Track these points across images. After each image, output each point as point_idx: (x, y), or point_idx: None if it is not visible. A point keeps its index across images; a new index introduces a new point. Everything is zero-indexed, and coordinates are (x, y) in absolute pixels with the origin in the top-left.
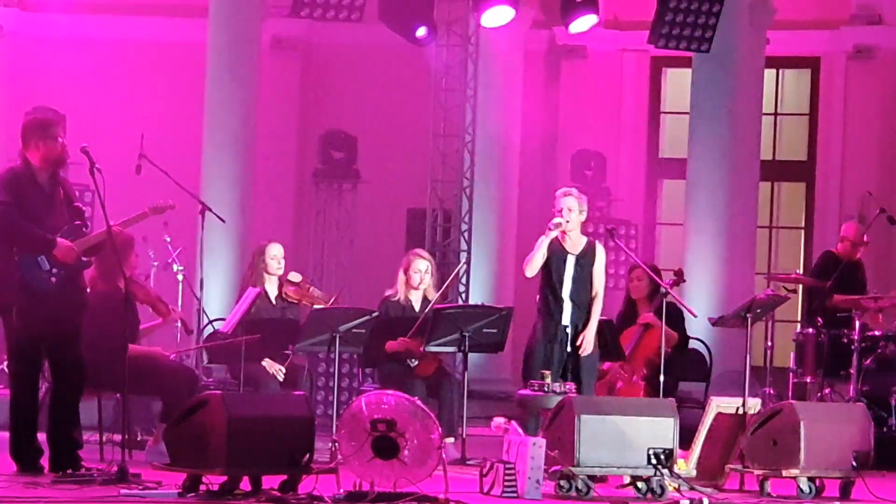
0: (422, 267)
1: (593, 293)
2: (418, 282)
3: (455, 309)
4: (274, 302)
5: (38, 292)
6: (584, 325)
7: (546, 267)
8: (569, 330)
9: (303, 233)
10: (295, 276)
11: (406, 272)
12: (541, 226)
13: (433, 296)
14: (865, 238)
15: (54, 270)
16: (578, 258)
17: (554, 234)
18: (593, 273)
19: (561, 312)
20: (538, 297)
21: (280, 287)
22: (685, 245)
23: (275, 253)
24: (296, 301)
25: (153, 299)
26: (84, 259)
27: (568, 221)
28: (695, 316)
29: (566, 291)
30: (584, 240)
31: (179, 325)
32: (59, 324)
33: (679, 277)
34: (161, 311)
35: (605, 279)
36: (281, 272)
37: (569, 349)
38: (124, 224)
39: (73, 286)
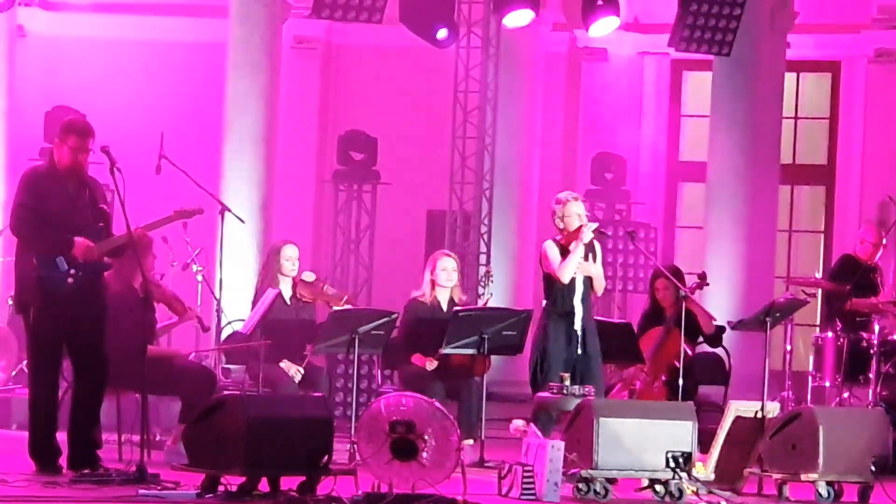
0: (448, 265)
1: (598, 288)
2: (445, 280)
3: (474, 311)
4: (289, 302)
5: (55, 293)
6: (591, 328)
7: None
8: (579, 332)
9: (322, 234)
10: (309, 276)
11: (433, 272)
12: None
13: (459, 297)
14: (884, 241)
15: (72, 272)
16: (583, 258)
17: (589, 237)
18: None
19: (573, 316)
20: (548, 300)
21: (294, 287)
22: (705, 248)
23: (289, 254)
24: (310, 301)
25: (169, 298)
26: (106, 261)
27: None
28: (713, 321)
29: (578, 296)
30: None
31: (196, 322)
32: (78, 324)
33: (702, 280)
34: (177, 310)
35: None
36: (295, 273)
37: (579, 352)
38: (150, 227)
39: (93, 287)
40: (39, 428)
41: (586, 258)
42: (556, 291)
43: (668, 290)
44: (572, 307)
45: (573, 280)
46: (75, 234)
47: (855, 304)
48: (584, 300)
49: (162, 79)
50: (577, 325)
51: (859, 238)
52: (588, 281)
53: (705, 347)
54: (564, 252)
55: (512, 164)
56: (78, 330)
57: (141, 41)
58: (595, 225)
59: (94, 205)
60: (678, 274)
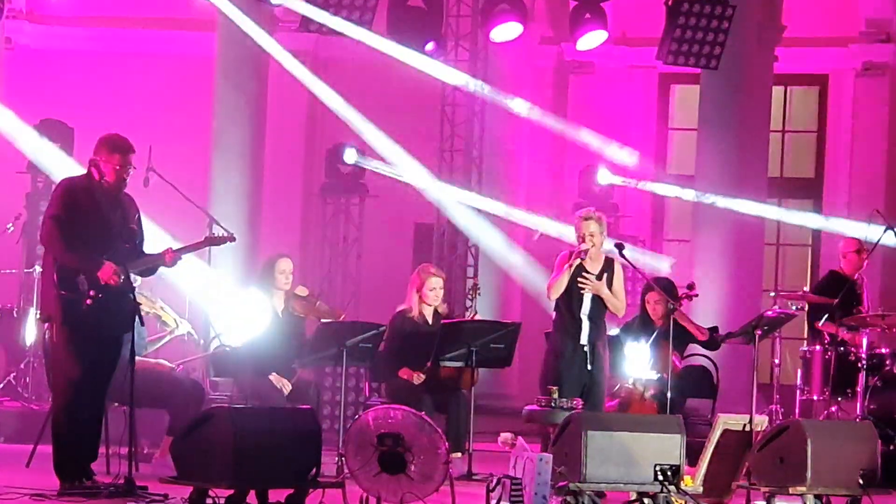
0: (435, 284)
1: (614, 309)
2: (433, 299)
3: (463, 324)
4: (280, 316)
5: (73, 311)
6: (600, 343)
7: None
8: (587, 349)
9: (310, 247)
10: (302, 291)
11: (419, 290)
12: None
13: (444, 308)
14: (865, 246)
15: (91, 293)
16: (597, 277)
17: (579, 260)
18: (613, 291)
19: (579, 331)
20: (555, 314)
21: (287, 301)
22: (692, 262)
23: (283, 267)
24: (302, 316)
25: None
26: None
27: (593, 245)
28: (703, 335)
29: (584, 311)
30: (603, 258)
31: (186, 337)
32: (97, 345)
33: (691, 290)
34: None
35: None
36: (288, 287)
37: (589, 367)
38: (181, 251)
39: (115, 309)
40: (57, 444)
41: (599, 278)
42: (558, 301)
43: (659, 304)
44: (579, 321)
45: (580, 295)
46: (101, 250)
47: (847, 323)
48: (592, 317)
49: (150, 92)
50: (584, 340)
51: (840, 253)
52: (599, 299)
53: (692, 361)
54: (579, 265)
55: (499, 177)
56: (95, 350)
57: (129, 54)
58: (580, 251)
59: (125, 224)
60: (670, 287)
